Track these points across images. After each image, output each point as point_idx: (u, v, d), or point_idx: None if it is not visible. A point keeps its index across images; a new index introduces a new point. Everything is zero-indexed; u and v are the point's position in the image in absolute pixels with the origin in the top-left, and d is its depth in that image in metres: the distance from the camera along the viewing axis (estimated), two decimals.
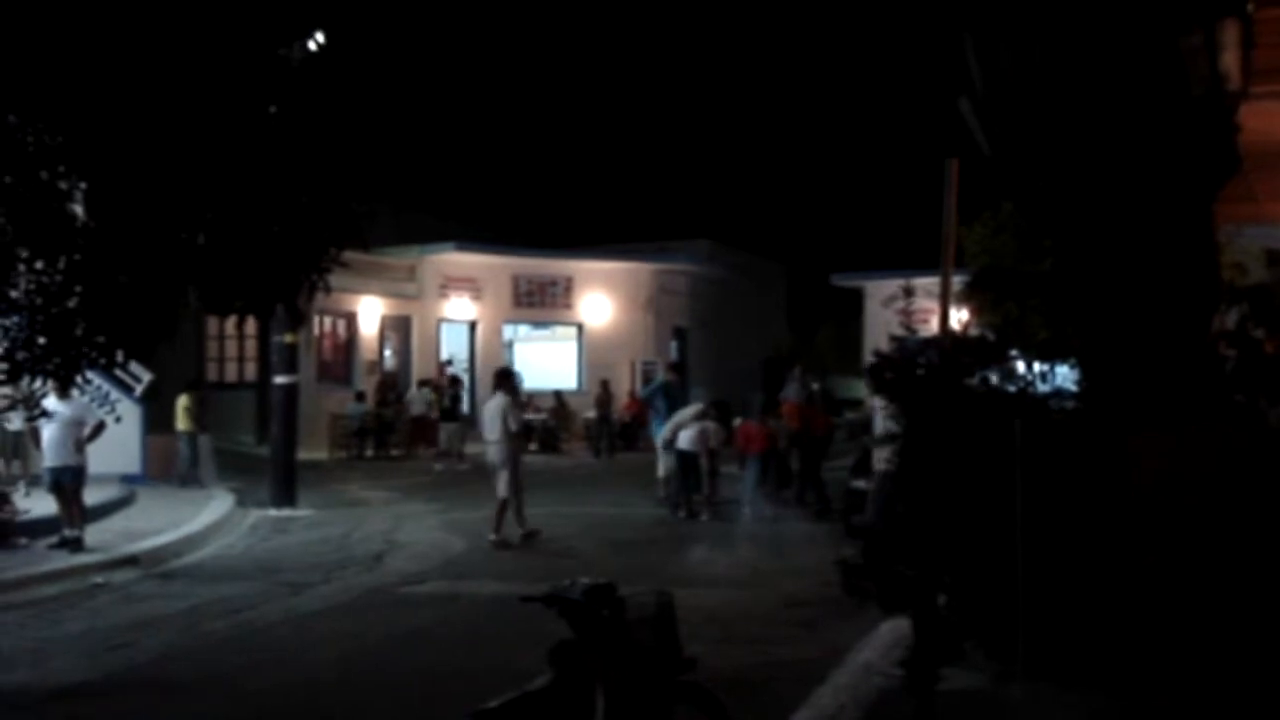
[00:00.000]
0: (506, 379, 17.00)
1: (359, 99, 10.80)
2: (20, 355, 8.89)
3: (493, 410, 16.30)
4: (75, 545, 14.34)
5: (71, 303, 8.61)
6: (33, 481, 17.11)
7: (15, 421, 16.33)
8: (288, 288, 10.09)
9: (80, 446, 14.83)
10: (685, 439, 18.12)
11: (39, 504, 15.72)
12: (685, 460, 18.17)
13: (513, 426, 16.06)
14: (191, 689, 9.20)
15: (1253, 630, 5.46)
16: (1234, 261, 8.42)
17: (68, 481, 14.71)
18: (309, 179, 9.70)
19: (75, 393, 12.52)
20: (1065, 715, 5.77)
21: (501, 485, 15.81)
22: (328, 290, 10.46)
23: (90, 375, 10.46)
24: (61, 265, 8.51)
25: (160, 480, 20.94)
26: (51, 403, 13.98)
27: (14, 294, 8.80)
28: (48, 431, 14.76)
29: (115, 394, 18.87)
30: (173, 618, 11.66)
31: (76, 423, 14.83)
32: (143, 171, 8.43)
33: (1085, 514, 5.79)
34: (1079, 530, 5.81)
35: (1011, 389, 7.29)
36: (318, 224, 9.80)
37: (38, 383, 9.61)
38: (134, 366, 20.32)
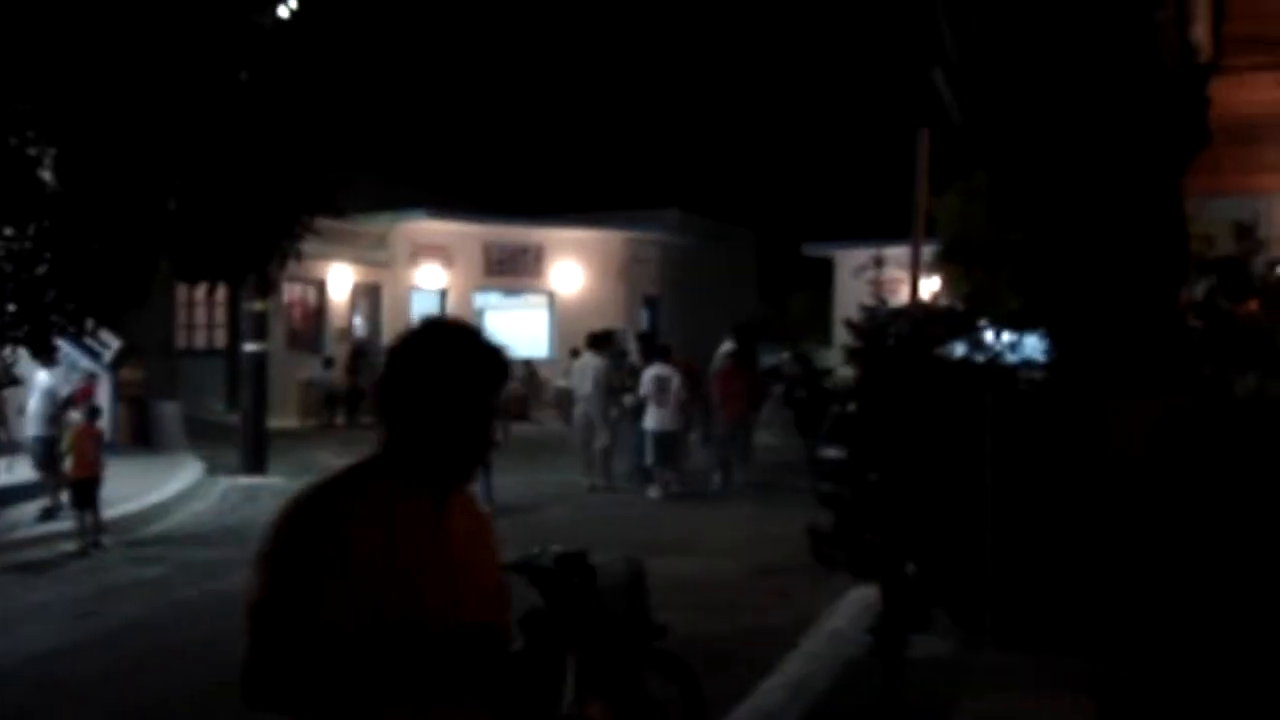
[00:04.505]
0: (604, 341, 18.43)
1: (331, 65, 10.73)
2: None
3: (586, 369, 17.88)
4: (47, 514, 14.25)
5: (41, 269, 8.55)
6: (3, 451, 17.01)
7: None
8: (260, 255, 10.04)
9: (55, 418, 14.71)
10: (656, 418, 17.35)
11: (13, 475, 15.69)
12: (663, 439, 17.49)
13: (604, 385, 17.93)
14: (164, 655, 9.19)
15: (1223, 595, 5.53)
16: (1202, 234, 8.46)
17: (41, 452, 14.60)
18: (281, 146, 9.64)
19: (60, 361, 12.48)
20: (1035, 680, 5.83)
21: (603, 436, 17.72)
22: (299, 258, 10.42)
23: (59, 343, 10.40)
24: (31, 232, 8.44)
25: (130, 448, 20.84)
26: (42, 376, 14.02)
27: None
28: (30, 402, 14.77)
29: (85, 362, 18.78)
30: (144, 585, 11.63)
31: (51, 393, 14.75)
32: (113, 137, 8.36)
33: (1054, 483, 5.85)
34: (1048, 499, 5.87)
35: (981, 359, 7.36)
36: (290, 191, 9.75)
37: (7, 350, 9.56)
38: (102, 334, 20.18)
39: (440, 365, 2.73)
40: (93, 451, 13.60)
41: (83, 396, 17.61)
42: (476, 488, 14.38)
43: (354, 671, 2.52)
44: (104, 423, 18.20)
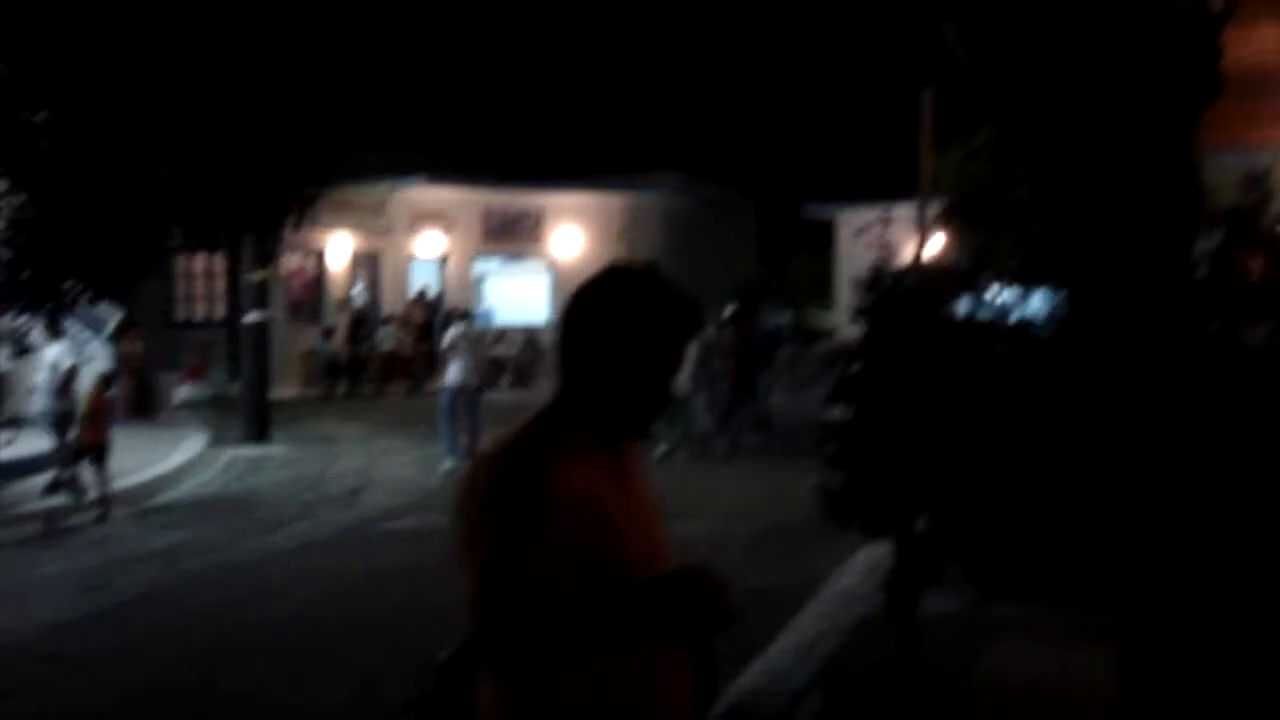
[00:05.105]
0: None
1: (339, 34, 10.64)
2: (4, 290, 8.81)
3: None
4: (55, 487, 14.27)
5: (55, 237, 8.52)
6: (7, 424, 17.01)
7: (1, 362, 16.26)
8: (270, 221, 10.02)
9: (62, 390, 14.70)
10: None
11: (19, 448, 15.67)
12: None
13: None
14: (172, 627, 9.20)
15: (1239, 542, 5.51)
16: (1209, 188, 8.40)
17: (47, 425, 14.62)
18: (289, 114, 9.59)
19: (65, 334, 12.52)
20: (1051, 632, 5.82)
21: None
22: (312, 223, 10.43)
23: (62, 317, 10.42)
24: (43, 200, 8.41)
25: (132, 420, 20.82)
26: (51, 350, 14.14)
27: None
28: (38, 377, 14.85)
29: (84, 334, 18.75)
30: (151, 557, 11.64)
31: (54, 366, 14.75)
32: (124, 105, 8.31)
33: (1069, 435, 5.82)
34: (1063, 451, 5.84)
35: (987, 316, 7.32)
36: (300, 158, 9.71)
37: (22, 319, 9.56)
38: (102, 306, 20.16)
39: (635, 312, 2.64)
40: (104, 416, 13.91)
41: (192, 373, 17.74)
42: (463, 443, 14.26)
43: (580, 626, 2.46)
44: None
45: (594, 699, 2.52)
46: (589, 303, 2.69)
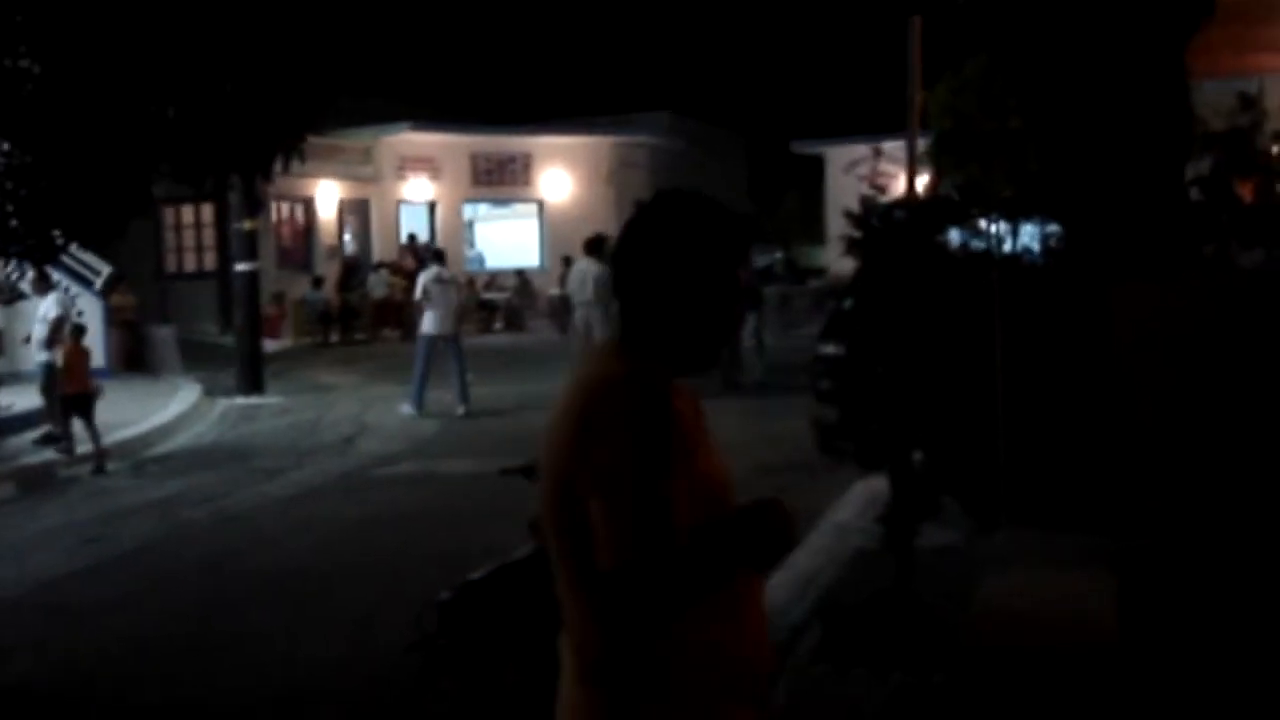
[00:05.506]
0: (599, 246, 17.75)
1: None
2: None
3: (584, 274, 17.37)
4: (46, 440, 14.27)
5: (43, 183, 8.46)
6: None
7: None
8: (256, 164, 9.95)
9: (48, 343, 14.68)
10: None
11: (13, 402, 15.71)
12: None
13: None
14: (171, 577, 9.22)
15: (1235, 467, 5.52)
16: (1199, 116, 8.33)
17: (41, 378, 14.60)
18: (276, 58, 9.49)
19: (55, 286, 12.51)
20: (1049, 560, 5.84)
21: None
22: (302, 159, 10.36)
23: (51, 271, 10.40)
24: (28, 146, 8.34)
25: (126, 373, 20.80)
26: (46, 303, 14.19)
27: None
28: (34, 330, 14.86)
29: (75, 288, 18.67)
30: (148, 508, 11.65)
31: (42, 320, 14.72)
32: (108, 49, 8.21)
33: (1064, 362, 5.81)
34: (1058, 378, 5.83)
35: (979, 246, 7.29)
36: (286, 101, 9.62)
37: (11, 266, 9.52)
38: (92, 259, 20.07)
39: (697, 233, 2.56)
40: (81, 366, 13.93)
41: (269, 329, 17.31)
42: (453, 387, 14.18)
43: (711, 557, 2.44)
44: (98, 348, 18.26)
45: (704, 634, 2.49)
46: (648, 232, 2.61)
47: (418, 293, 17.21)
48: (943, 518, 7.06)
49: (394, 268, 29.93)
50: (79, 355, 14.02)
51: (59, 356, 14.12)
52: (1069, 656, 5.10)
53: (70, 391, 13.74)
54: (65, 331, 14.25)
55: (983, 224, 7.67)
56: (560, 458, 2.51)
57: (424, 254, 19.20)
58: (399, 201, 32.88)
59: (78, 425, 13.65)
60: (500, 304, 30.84)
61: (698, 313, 2.58)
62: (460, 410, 16.38)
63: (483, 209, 35.20)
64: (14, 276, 10.36)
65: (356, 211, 32.25)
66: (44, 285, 14.65)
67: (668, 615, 2.42)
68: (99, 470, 13.35)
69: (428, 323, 16.76)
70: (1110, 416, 5.69)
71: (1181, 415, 5.59)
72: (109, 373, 20.35)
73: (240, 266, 20.02)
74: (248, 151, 9.70)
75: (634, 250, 2.61)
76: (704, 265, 2.56)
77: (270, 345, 24.48)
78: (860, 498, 9.68)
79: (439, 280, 17.00)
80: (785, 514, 2.54)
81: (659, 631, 2.43)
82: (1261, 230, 6.53)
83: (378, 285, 29.16)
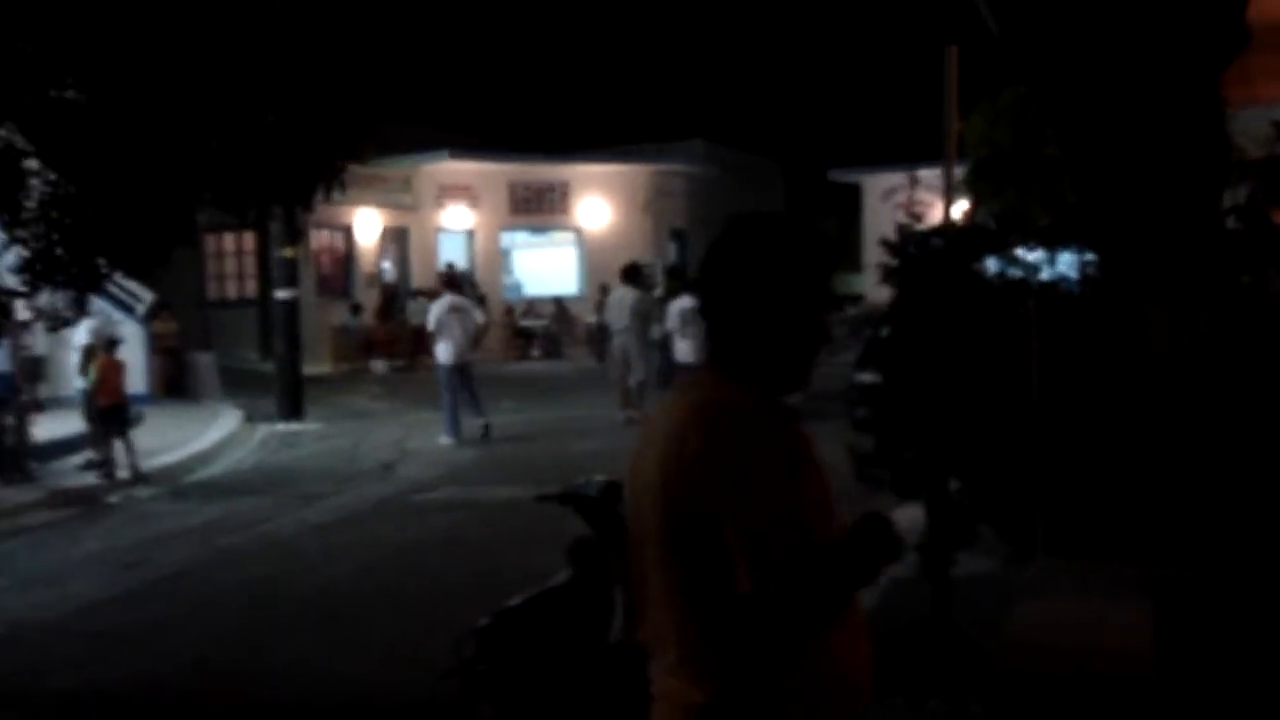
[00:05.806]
0: (636, 273, 18.30)
1: (364, 9, 10.65)
2: (38, 266, 8.92)
3: (622, 302, 17.85)
4: (89, 466, 14.41)
5: (89, 212, 8.61)
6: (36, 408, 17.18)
7: (36, 345, 16.41)
8: (298, 193, 10.09)
9: (82, 369, 14.85)
10: (685, 350, 16.64)
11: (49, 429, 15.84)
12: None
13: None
14: (215, 601, 9.29)
15: (1272, 500, 5.50)
16: (1235, 145, 8.29)
17: (83, 404, 14.77)
18: (317, 88, 9.63)
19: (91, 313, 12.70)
20: (1085, 590, 5.82)
21: (638, 369, 17.76)
22: (343, 189, 10.49)
23: (93, 298, 10.55)
24: (73, 177, 8.49)
25: (167, 399, 21.01)
26: (81, 333, 14.39)
27: (29, 205, 8.78)
28: (73, 357, 15.12)
29: (117, 315, 18.88)
30: (188, 533, 11.75)
31: (77, 347, 14.91)
32: (153, 81, 8.36)
33: (1101, 390, 5.80)
34: (1096, 407, 5.83)
35: (1016, 275, 7.30)
36: (327, 131, 9.77)
37: (58, 295, 9.69)
38: (135, 287, 20.30)
39: (780, 254, 2.58)
40: (116, 379, 14.15)
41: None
42: (466, 408, 14.17)
43: (841, 575, 2.46)
44: (140, 375, 18.47)
45: (829, 650, 2.50)
46: (737, 255, 2.62)
47: (430, 323, 17.13)
48: (979, 546, 7.04)
49: (432, 295, 30.17)
50: (112, 368, 14.19)
51: (91, 378, 14.28)
52: (1105, 687, 5.09)
53: (104, 404, 13.94)
54: (96, 358, 14.41)
55: (1020, 252, 7.68)
56: (678, 484, 2.49)
57: (460, 282, 19.36)
58: (437, 229, 33.07)
59: (119, 449, 13.82)
60: (538, 332, 30.95)
61: (793, 332, 2.60)
62: (479, 423, 16.49)
63: (521, 237, 35.34)
64: (59, 304, 10.52)
65: (396, 239, 32.47)
66: (79, 311, 14.72)
67: (811, 634, 2.43)
68: (138, 482, 13.56)
69: (442, 353, 16.74)
70: (1148, 445, 5.68)
71: (1220, 444, 5.58)
72: (150, 398, 20.59)
73: (280, 294, 20.20)
74: (289, 181, 9.84)
75: (723, 274, 2.63)
76: (796, 283, 2.59)
77: (381, 367, 26.53)
78: (898, 525, 9.65)
79: (453, 309, 17.00)
80: (893, 527, 2.55)
81: (801, 651, 2.44)
82: None
83: (416, 312, 29.37)
